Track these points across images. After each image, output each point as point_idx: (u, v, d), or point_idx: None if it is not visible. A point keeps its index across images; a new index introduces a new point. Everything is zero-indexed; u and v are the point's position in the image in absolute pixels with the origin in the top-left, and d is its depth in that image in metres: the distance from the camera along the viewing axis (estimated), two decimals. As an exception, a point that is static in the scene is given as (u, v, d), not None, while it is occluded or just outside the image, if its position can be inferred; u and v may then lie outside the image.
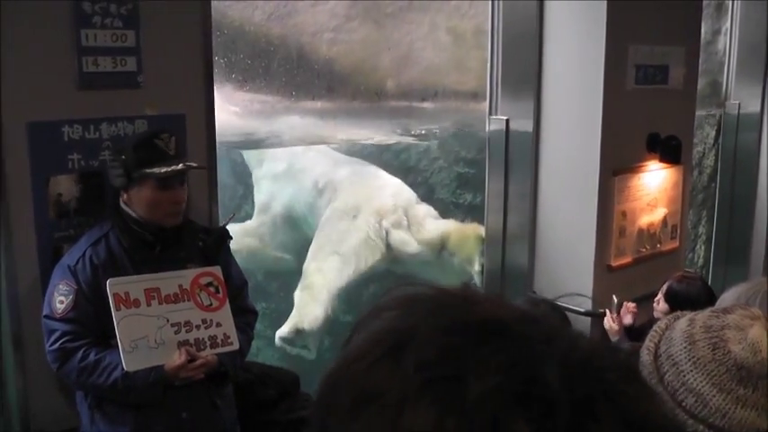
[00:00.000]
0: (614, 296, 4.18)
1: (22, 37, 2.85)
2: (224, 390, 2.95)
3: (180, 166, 2.78)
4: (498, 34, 4.72)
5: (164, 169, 2.75)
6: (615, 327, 4.06)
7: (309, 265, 6.46)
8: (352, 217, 6.61)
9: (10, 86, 2.85)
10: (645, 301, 4.19)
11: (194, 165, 2.87)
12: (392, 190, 6.79)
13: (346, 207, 6.65)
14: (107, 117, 3.02)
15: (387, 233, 6.57)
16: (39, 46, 2.90)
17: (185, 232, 2.92)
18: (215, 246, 2.96)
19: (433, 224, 6.70)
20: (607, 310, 4.19)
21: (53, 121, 2.94)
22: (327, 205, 6.73)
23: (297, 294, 6.38)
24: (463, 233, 6.52)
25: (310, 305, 6.27)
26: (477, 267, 6.19)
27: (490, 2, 4.76)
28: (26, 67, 2.88)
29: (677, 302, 3.47)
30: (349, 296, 6.61)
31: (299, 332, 6.19)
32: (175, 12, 3.13)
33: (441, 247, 6.60)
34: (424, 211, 6.78)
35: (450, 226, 6.69)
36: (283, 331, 6.22)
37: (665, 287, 3.82)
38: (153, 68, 3.09)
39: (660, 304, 3.79)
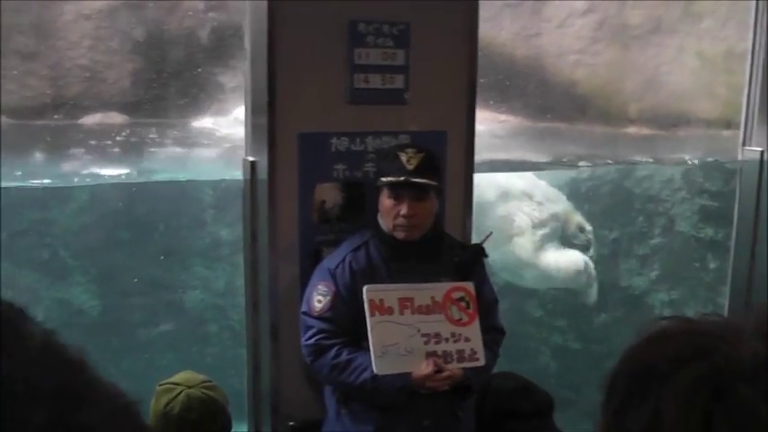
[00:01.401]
0: None
1: (298, 54, 3.08)
2: (466, 402, 3.00)
3: (402, 178, 2.85)
4: (759, 57, 4.41)
5: (392, 179, 2.85)
6: None
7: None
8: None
9: (284, 99, 3.09)
10: None
11: (422, 180, 2.87)
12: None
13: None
14: (373, 131, 3.19)
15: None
16: (314, 62, 3.12)
17: (441, 246, 3.01)
18: (470, 262, 3.02)
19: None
20: None
21: (322, 133, 3.15)
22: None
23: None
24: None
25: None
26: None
27: (753, 22, 4.48)
28: (301, 81, 3.10)
29: None
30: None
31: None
32: (444, 32, 3.24)
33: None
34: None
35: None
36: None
37: None
38: (419, 86, 3.22)
39: None
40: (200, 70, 6.23)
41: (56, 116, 6.34)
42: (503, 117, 6.31)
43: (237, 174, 5.69)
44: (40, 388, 0.42)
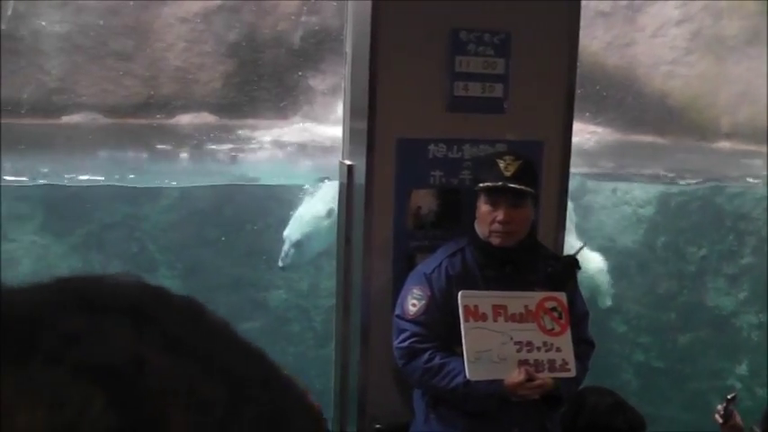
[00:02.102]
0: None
1: (399, 58, 3.12)
2: (554, 413, 2.99)
3: (500, 183, 2.85)
4: None
5: (489, 184, 2.85)
6: None
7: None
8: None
9: (384, 103, 3.12)
10: None
11: (519, 187, 2.87)
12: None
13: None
14: (470, 139, 3.20)
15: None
16: (415, 68, 3.15)
17: (536, 256, 3.00)
18: (563, 273, 3.01)
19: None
20: None
21: (421, 139, 3.18)
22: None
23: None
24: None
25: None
26: None
27: None
28: (401, 86, 3.14)
29: None
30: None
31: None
32: (544, 42, 3.24)
33: None
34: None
35: None
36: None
37: None
38: (517, 95, 3.22)
39: None
40: (295, 73, 6.34)
41: (149, 115, 6.55)
42: (591, 128, 6.24)
43: (326, 175, 5.79)
44: (248, 379, 0.43)
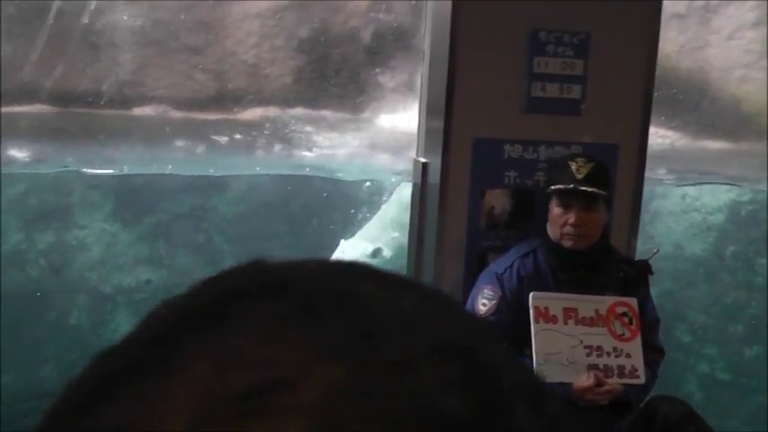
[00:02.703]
0: None
1: (478, 58, 3.13)
2: (622, 420, 2.96)
3: (571, 186, 2.83)
4: None
5: (561, 186, 2.84)
6: None
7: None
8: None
9: (461, 103, 3.14)
10: None
11: (591, 189, 2.85)
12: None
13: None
14: (546, 140, 3.19)
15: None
16: (493, 68, 3.16)
17: (608, 260, 2.98)
18: (635, 279, 2.98)
19: None
20: None
21: (497, 139, 3.18)
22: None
23: None
24: None
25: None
26: None
27: None
28: (478, 86, 3.15)
29: None
30: None
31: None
32: (623, 44, 3.21)
33: None
34: None
35: None
36: None
37: None
38: (595, 97, 3.20)
39: None
40: (365, 70, 6.38)
41: (219, 108, 6.66)
42: (662, 132, 6.14)
43: (393, 173, 5.82)
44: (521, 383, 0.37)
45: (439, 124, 3.15)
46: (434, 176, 3.20)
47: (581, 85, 3.18)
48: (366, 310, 0.34)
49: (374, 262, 5.33)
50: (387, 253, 5.56)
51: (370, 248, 5.71)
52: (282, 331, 0.32)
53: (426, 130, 3.32)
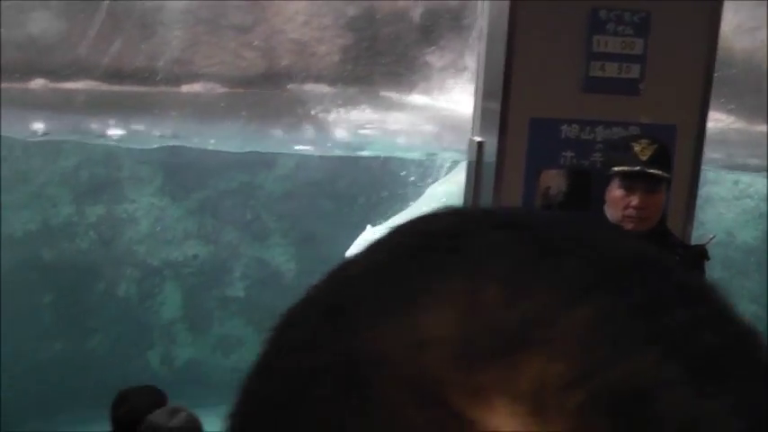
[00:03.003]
0: None
1: (536, 37, 3.10)
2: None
3: (637, 168, 2.79)
4: None
5: (625, 168, 2.81)
6: None
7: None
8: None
9: (519, 82, 3.12)
10: None
11: (657, 172, 2.81)
12: None
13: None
14: (604, 120, 3.16)
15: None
16: (551, 47, 3.13)
17: (665, 244, 2.95)
18: (692, 263, 2.95)
19: None
20: None
21: (554, 119, 3.16)
22: None
23: None
24: None
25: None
26: None
27: None
28: (536, 67, 3.13)
29: None
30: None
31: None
32: (684, 23, 3.16)
33: None
34: None
35: None
36: None
37: None
38: (654, 77, 3.16)
39: None
40: (414, 49, 6.37)
41: (267, 86, 6.69)
42: (717, 116, 6.04)
43: (442, 151, 5.81)
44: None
45: (496, 104, 3.14)
46: (490, 156, 3.19)
47: (640, 65, 3.14)
48: (602, 252, 0.34)
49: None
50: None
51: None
52: (526, 271, 0.32)
53: (483, 110, 3.31)
